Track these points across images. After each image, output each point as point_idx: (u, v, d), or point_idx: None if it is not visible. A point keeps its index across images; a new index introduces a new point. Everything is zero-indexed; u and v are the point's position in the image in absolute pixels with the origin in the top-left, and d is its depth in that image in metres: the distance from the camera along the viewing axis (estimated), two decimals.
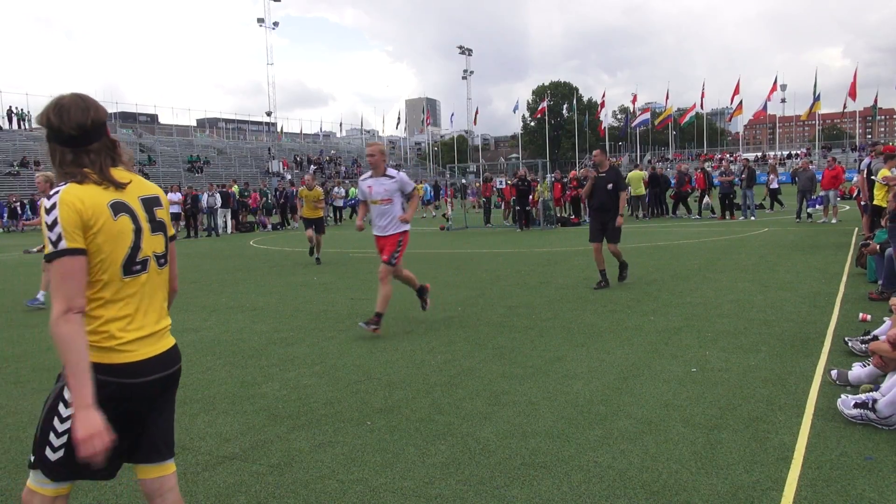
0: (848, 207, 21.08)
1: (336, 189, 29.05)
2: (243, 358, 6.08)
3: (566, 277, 10.18)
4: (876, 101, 62.28)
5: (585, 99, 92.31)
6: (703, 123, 76.72)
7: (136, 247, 2.13)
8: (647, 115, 68.68)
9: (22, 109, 49.92)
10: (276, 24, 65.31)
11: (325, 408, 4.59)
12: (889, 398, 3.79)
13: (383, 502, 3.21)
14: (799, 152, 63.38)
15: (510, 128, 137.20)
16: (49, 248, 2.00)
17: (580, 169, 42.41)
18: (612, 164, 9.59)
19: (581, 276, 10.04)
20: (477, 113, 78.56)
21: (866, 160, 11.91)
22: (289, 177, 45.68)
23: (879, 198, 9.96)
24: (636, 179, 23.26)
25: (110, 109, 50.86)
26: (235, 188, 27.89)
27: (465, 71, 77.98)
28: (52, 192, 2.05)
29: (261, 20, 63.55)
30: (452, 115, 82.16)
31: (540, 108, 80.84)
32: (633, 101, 74.57)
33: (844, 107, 60.37)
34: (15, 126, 49.21)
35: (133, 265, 2.14)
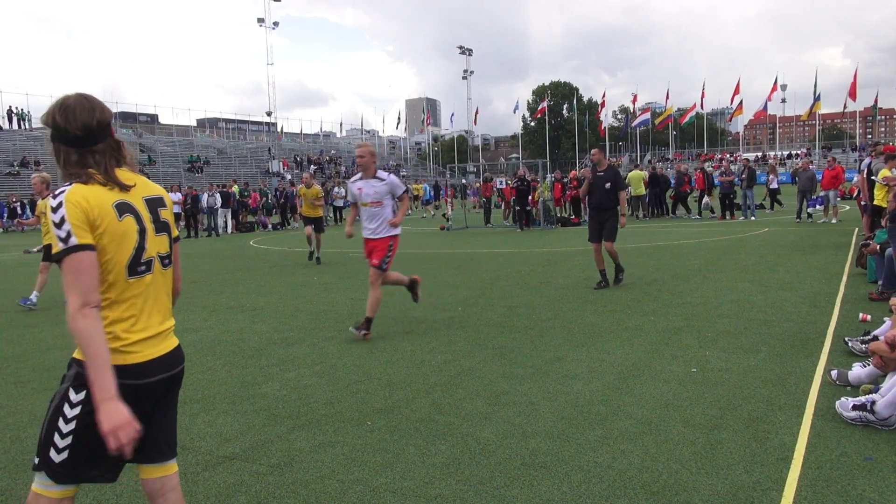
0: (848, 207, 21.08)
1: (336, 189, 29.05)
2: (243, 358, 6.08)
3: (566, 277, 10.18)
4: (876, 101, 62.29)
5: (585, 99, 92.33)
6: (703, 123, 76.72)
7: (140, 247, 2.13)
8: (648, 116, 68.67)
9: (22, 109, 49.96)
10: (276, 24, 65.38)
11: (325, 408, 4.60)
12: (888, 399, 3.78)
13: (383, 502, 3.21)
14: (799, 152, 63.37)
15: (510, 128, 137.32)
16: (59, 246, 1.99)
17: (580, 169, 42.42)
18: (611, 163, 9.56)
19: (581, 277, 10.04)
20: (477, 113, 78.61)
21: (867, 160, 11.92)
22: (289, 177, 45.69)
23: (879, 198, 9.96)
24: (636, 179, 23.25)
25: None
26: (235, 188, 27.89)
27: (466, 71, 78.03)
28: (57, 192, 2.05)
29: (261, 20, 63.61)
30: (452, 115, 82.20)
31: (540, 108, 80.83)
32: (634, 101, 74.60)
33: (845, 107, 60.37)
34: (15, 126, 49.21)
35: (138, 266, 2.13)
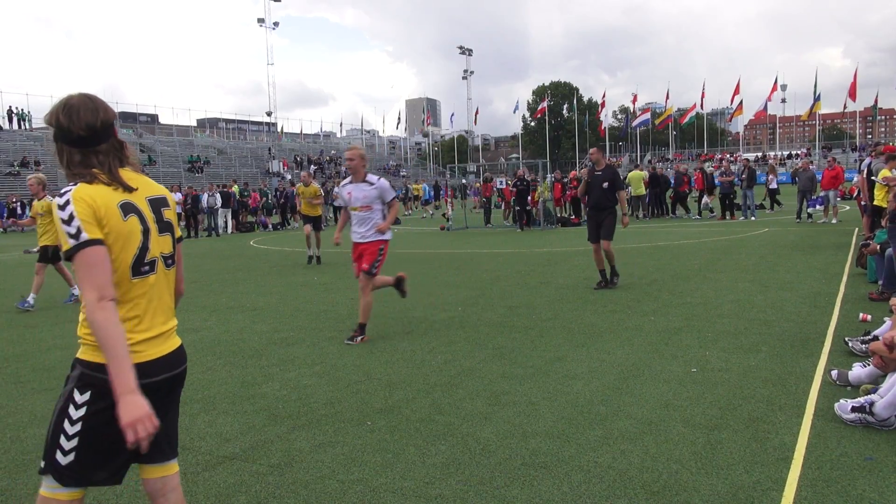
0: (848, 207, 21.08)
1: (336, 189, 29.03)
2: (243, 358, 6.08)
3: (566, 277, 10.18)
4: (876, 101, 62.32)
5: (586, 99, 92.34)
6: (703, 123, 76.73)
7: (144, 247, 2.13)
8: (648, 116, 68.70)
9: (22, 109, 49.94)
10: (276, 24, 65.47)
11: (325, 408, 4.59)
12: (887, 400, 3.78)
13: (383, 502, 3.21)
14: (799, 152, 63.39)
15: (510, 128, 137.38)
16: (70, 243, 1.98)
17: (580, 169, 42.40)
18: (609, 163, 9.54)
19: (581, 277, 10.04)
20: (477, 113, 78.68)
21: (867, 160, 11.92)
22: (289, 177, 45.70)
23: (879, 198, 9.96)
24: (636, 179, 23.25)
25: None
26: (235, 188, 27.89)
27: (466, 71, 78.12)
28: (63, 191, 2.05)
29: (261, 20, 63.69)
30: (452, 115, 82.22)
31: (540, 108, 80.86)
32: (634, 101, 74.63)
33: (844, 107, 60.40)
34: (15, 126, 49.20)
35: (142, 266, 2.13)
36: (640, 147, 77.99)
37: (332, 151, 67.41)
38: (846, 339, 5.50)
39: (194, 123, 73.25)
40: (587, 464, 3.51)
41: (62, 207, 2.00)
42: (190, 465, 3.67)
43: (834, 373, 4.68)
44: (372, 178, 6.60)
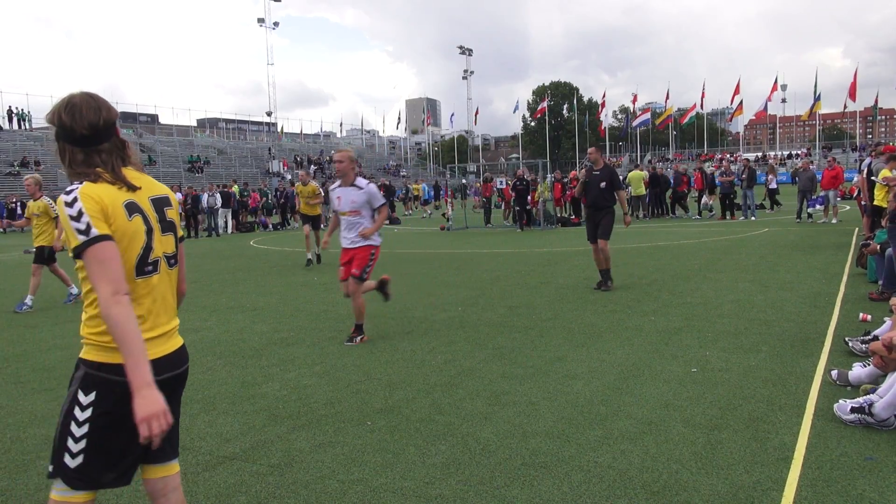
0: (848, 207, 21.08)
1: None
2: (243, 358, 6.08)
3: (566, 277, 10.18)
4: (876, 101, 62.36)
5: (586, 99, 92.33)
6: (703, 123, 76.74)
7: (148, 247, 2.12)
8: (648, 116, 68.72)
9: (22, 109, 49.94)
10: (276, 24, 65.50)
11: (325, 408, 4.59)
12: (886, 401, 3.78)
13: (384, 502, 3.21)
14: (799, 152, 63.40)
15: (510, 128, 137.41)
16: (80, 239, 1.96)
17: (580, 169, 42.42)
18: (607, 162, 9.49)
19: (581, 277, 10.04)
20: (477, 113, 78.70)
21: (867, 160, 11.91)
22: (289, 177, 45.70)
23: (879, 198, 9.96)
24: (636, 179, 23.25)
25: None
26: (236, 188, 27.90)
27: (466, 71, 78.13)
28: (69, 189, 2.03)
29: (261, 20, 63.73)
30: (452, 115, 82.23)
31: (540, 108, 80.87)
32: (634, 101, 74.64)
33: (845, 107, 60.42)
34: (15, 126, 49.21)
35: (145, 266, 2.12)
36: (640, 147, 78.00)
37: (332, 151, 67.19)
38: (846, 339, 5.50)
39: (194, 123, 73.37)
40: (587, 464, 3.51)
41: (70, 204, 1.99)
42: (190, 466, 3.67)
43: (834, 373, 4.68)
44: (361, 182, 6.45)
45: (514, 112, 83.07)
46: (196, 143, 58.76)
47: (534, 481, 3.35)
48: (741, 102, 62.34)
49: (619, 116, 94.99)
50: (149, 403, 1.92)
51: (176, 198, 2.37)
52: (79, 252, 1.98)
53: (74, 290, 9.72)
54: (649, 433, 3.89)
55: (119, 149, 2.15)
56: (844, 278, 8.87)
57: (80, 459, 2.06)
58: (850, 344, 5.37)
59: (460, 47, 77.04)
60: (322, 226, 14.19)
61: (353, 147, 77.76)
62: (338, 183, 6.57)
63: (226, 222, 25.64)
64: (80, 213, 1.97)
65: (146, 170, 2.29)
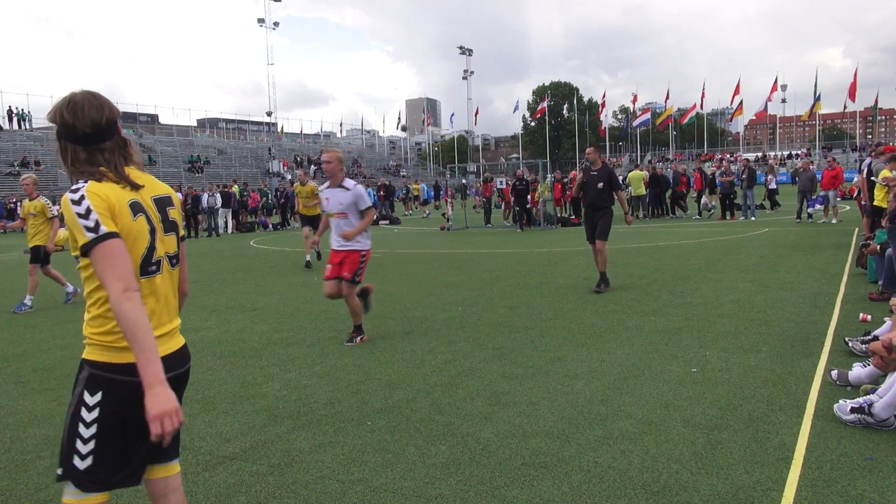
0: (848, 208, 21.08)
1: None
2: (243, 358, 6.08)
3: (566, 278, 10.18)
4: (876, 101, 62.36)
5: (586, 99, 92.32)
6: (703, 124, 76.74)
7: (151, 247, 2.12)
8: (648, 116, 68.71)
9: (22, 109, 49.95)
10: (276, 24, 65.49)
11: (325, 408, 4.59)
12: (886, 401, 3.78)
13: (384, 502, 3.21)
14: (799, 152, 63.39)
15: (510, 128, 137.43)
16: (88, 236, 1.94)
17: (580, 169, 42.43)
18: (605, 162, 9.43)
19: (581, 277, 10.03)
20: (477, 113, 78.65)
21: (867, 160, 11.91)
22: (289, 177, 45.70)
23: (879, 198, 9.96)
24: (636, 179, 23.26)
25: None
26: (236, 188, 27.90)
27: (466, 71, 78.08)
28: (74, 188, 2.02)
29: (261, 20, 63.73)
30: (452, 115, 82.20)
31: (540, 108, 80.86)
32: (634, 101, 74.64)
33: (845, 107, 60.42)
34: (15, 126, 49.20)
35: (149, 266, 2.12)
36: (641, 147, 78.00)
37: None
38: (846, 339, 5.50)
39: (194, 123, 73.40)
40: (587, 464, 3.51)
41: (77, 202, 1.97)
42: (190, 466, 3.67)
43: (834, 373, 4.68)
44: (348, 183, 6.33)
45: (514, 112, 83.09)
46: (196, 143, 58.76)
47: (534, 481, 3.35)
48: (741, 102, 62.38)
49: (620, 116, 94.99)
50: (161, 401, 1.90)
51: (178, 197, 2.36)
52: (87, 249, 1.95)
53: (70, 288, 9.71)
54: (649, 433, 3.89)
55: (121, 147, 2.13)
56: (844, 278, 8.86)
57: (89, 461, 2.04)
58: (850, 344, 5.37)
59: (460, 47, 77.04)
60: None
61: (354, 147, 77.87)
62: (327, 184, 6.49)
63: (226, 222, 25.64)
64: (89, 211, 1.96)
65: (146, 170, 2.28)
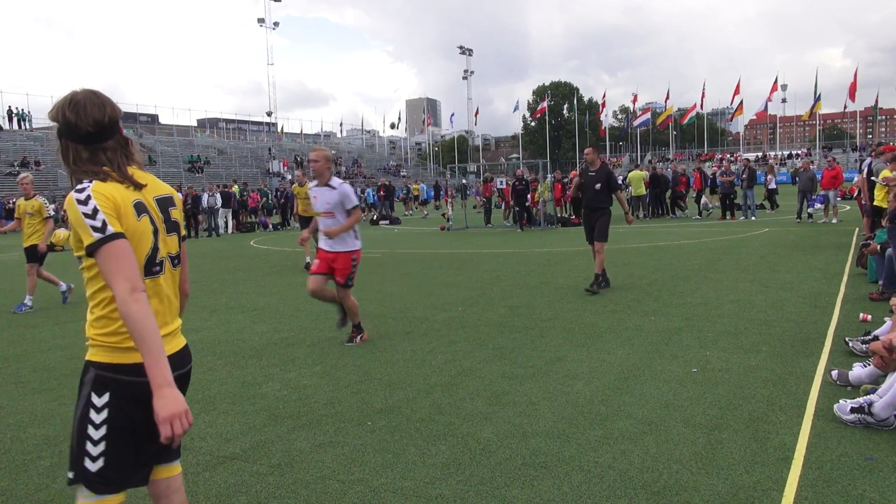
0: (848, 207, 21.08)
1: None
2: (244, 358, 6.08)
3: (567, 278, 10.18)
4: (877, 101, 62.37)
5: (586, 99, 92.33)
6: (703, 123, 76.74)
7: (155, 247, 2.11)
8: (648, 116, 68.71)
9: (22, 109, 49.92)
10: (276, 24, 65.47)
11: (325, 408, 4.59)
12: (886, 401, 3.78)
13: (384, 502, 3.21)
14: (799, 152, 63.38)
15: (511, 128, 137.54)
16: (95, 236, 1.92)
17: (580, 169, 42.38)
18: (604, 163, 9.40)
19: (582, 277, 10.03)
20: (477, 113, 78.62)
21: (867, 160, 11.91)
22: (289, 177, 45.71)
23: (879, 198, 9.96)
24: (637, 179, 23.25)
25: None
26: (236, 188, 27.92)
27: (466, 71, 78.04)
28: (80, 187, 2.00)
29: (261, 20, 63.70)
30: (453, 115, 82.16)
31: (540, 107, 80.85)
32: (634, 101, 74.62)
33: (845, 107, 60.42)
34: (15, 126, 49.20)
35: (153, 266, 2.11)
36: (641, 147, 77.98)
37: (332, 151, 67.20)
38: (846, 339, 5.50)
39: (194, 123, 73.38)
40: (587, 464, 3.51)
41: (84, 202, 1.95)
42: (190, 466, 3.67)
43: (834, 373, 4.68)
44: (335, 182, 6.25)
45: (514, 112, 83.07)
46: (196, 143, 58.76)
47: (534, 481, 3.35)
48: (741, 102, 62.39)
49: (620, 116, 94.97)
50: (170, 403, 1.89)
51: (179, 197, 2.35)
52: (93, 250, 1.93)
53: (63, 286, 9.71)
54: (649, 433, 3.89)
55: (123, 146, 2.12)
56: (845, 278, 8.86)
57: (101, 462, 2.02)
58: (851, 344, 5.37)
59: (460, 47, 76.97)
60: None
61: (354, 147, 77.87)
62: (315, 183, 6.43)
63: (226, 222, 25.65)
64: (96, 211, 1.94)
65: (147, 169, 2.27)
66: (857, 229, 14.30)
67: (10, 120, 49.10)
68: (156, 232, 2.12)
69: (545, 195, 22.05)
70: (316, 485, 3.42)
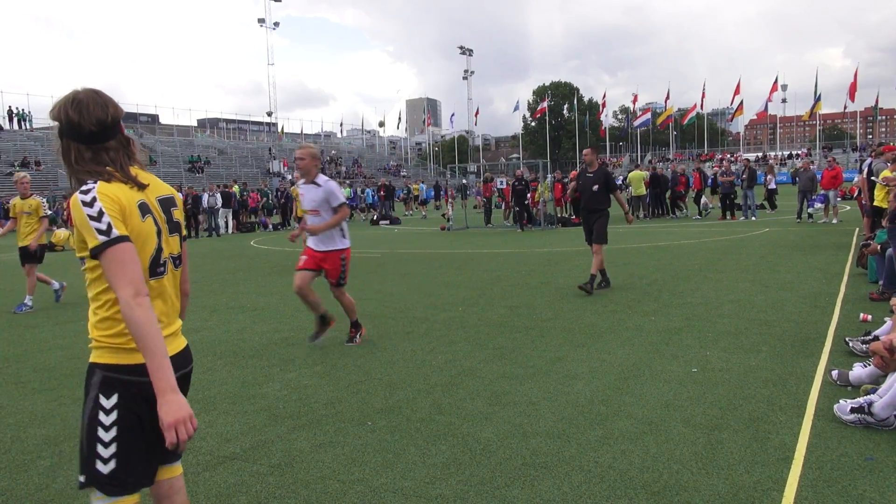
0: (848, 208, 21.08)
1: None
2: (244, 358, 6.08)
3: (567, 278, 10.18)
4: (877, 101, 62.41)
5: (586, 99, 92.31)
6: (703, 124, 76.74)
7: (159, 248, 2.10)
8: (648, 116, 68.71)
9: (22, 109, 49.89)
10: (276, 24, 65.42)
11: (325, 408, 4.59)
12: (886, 401, 3.78)
13: (384, 502, 3.21)
14: (800, 152, 63.37)
15: (511, 128, 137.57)
16: (100, 239, 1.91)
17: (579, 170, 42.31)
18: (601, 164, 9.38)
19: (582, 277, 10.01)
20: (477, 113, 78.59)
21: (868, 160, 11.91)
22: (289, 177, 45.71)
23: (880, 199, 9.96)
24: (637, 180, 23.26)
25: None
26: (236, 188, 27.92)
27: (466, 71, 77.97)
28: (85, 188, 1.98)
29: (261, 20, 63.64)
30: (453, 115, 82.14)
31: (540, 108, 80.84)
32: (634, 101, 74.64)
33: (845, 107, 60.44)
34: (15, 126, 49.19)
35: (158, 267, 2.10)
36: (641, 147, 77.98)
37: (333, 151, 67.44)
38: (847, 339, 5.50)
39: (195, 123, 73.33)
40: (588, 464, 3.51)
41: (90, 204, 1.94)
42: (191, 466, 3.67)
43: (834, 373, 4.68)
44: (320, 179, 6.16)
45: (515, 112, 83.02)
46: (196, 144, 58.77)
47: (534, 481, 3.35)
48: (741, 102, 62.39)
49: (620, 116, 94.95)
50: (175, 409, 1.88)
51: (180, 198, 2.34)
52: (97, 253, 1.92)
53: (56, 285, 9.71)
54: (650, 433, 3.89)
55: (125, 146, 2.11)
56: (845, 278, 8.86)
57: (112, 464, 2.01)
58: (851, 344, 5.37)
59: (460, 47, 76.88)
60: None
61: (354, 147, 77.86)
62: (302, 181, 6.36)
63: (226, 222, 25.66)
64: (101, 213, 1.93)
65: (147, 170, 2.27)
66: (858, 229, 14.30)
67: (11, 120, 49.09)
68: (159, 233, 2.11)
69: (545, 195, 22.05)
70: (316, 485, 3.42)
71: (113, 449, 2.01)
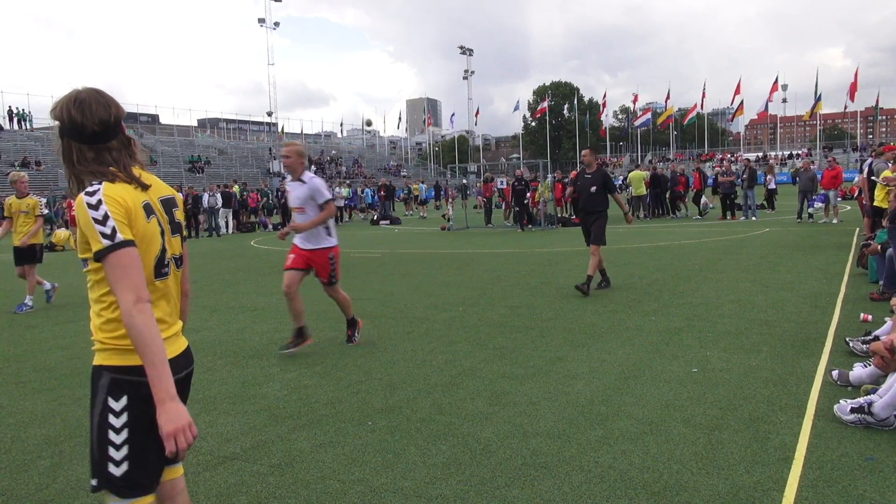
0: (849, 208, 21.07)
1: (337, 189, 29.10)
2: (244, 358, 6.08)
3: (567, 278, 10.18)
4: (877, 101, 62.49)
5: (586, 99, 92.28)
6: (704, 123, 76.73)
7: (163, 249, 2.09)
8: (649, 116, 68.70)
9: (22, 109, 49.90)
10: (276, 24, 65.35)
11: (325, 408, 4.59)
12: (886, 401, 3.78)
13: (384, 502, 3.21)
14: (800, 152, 63.36)
15: (511, 128, 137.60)
16: (104, 243, 1.90)
17: (578, 171, 42.28)
18: (605, 163, 9.39)
19: (582, 277, 10.01)
20: (478, 113, 78.55)
21: (868, 160, 11.91)
22: (289, 177, 45.68)
23: (880, 199, 9.96)
24: (637, 180, 23.25)
25: None
26: (236, 188, 27.92)
27: (466, 71, 77.94)
28: (90, 189, 1.96)
29: (262, 20, 63.59)
30: (453, 115, 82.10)
31: (540, 107, 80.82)
32: (634, 101, 74.64)
33: (845, 107, 60.44)
34: (15, 126, 49.20)
35: (162, 268, 2.10)
36: (641, 147, 77.97)
37: (333, 151, 67.46)
38: (847, 339, 5.50)
39: (195, 123, 73.36)
40: (588, 464, 3.51)
41: (95, 206, 1.92)
42: (191, 466, 3.67)
43: (835, 373, 4.68)
44: (306, 176, 6.09)
45: (515, 112, 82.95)
46: (197, 143, 58.79)
47: (534, 481, 3.35)
48: (742, 102, 62.38)
49: (620, 116, 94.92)
50: (174, 417, 1.87)
51: (180, 198, 2.34)
52: (100, 256, 1.91)
53: (48, 285, 9.70)
54: (650, 433, 3.89)
55: (126, 146, 2.09)
56: (845, 278, 8.86)
57: (125, 466, 2.00)
58: (851, 344, 5.37)
59: (461, 47, 76.79)
60: None
61: (354, 147, 77.86)
62: (289, 178, 6.32)
63: (227, 222, 25.66)
64: (106, 217, 1.91)
65: (148, 170, 2.26)
66: (858, 229, 14.30)
67: (11, 120, 49.08)
68: (162, 233, 2.10)
69: (545, 195, 22.05)
70: (316, 485, 3.42)
71: (125, 451, 2.00)
